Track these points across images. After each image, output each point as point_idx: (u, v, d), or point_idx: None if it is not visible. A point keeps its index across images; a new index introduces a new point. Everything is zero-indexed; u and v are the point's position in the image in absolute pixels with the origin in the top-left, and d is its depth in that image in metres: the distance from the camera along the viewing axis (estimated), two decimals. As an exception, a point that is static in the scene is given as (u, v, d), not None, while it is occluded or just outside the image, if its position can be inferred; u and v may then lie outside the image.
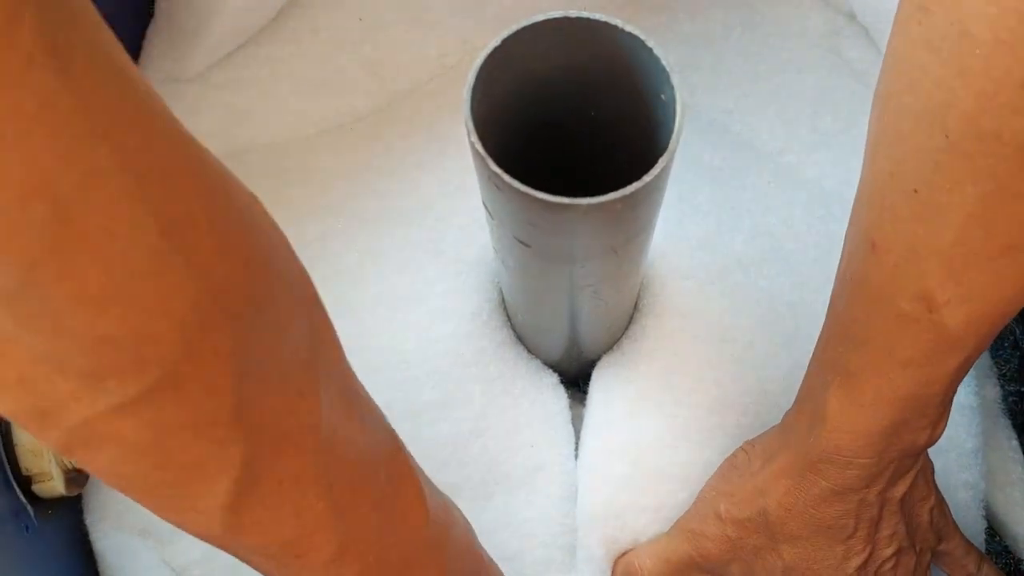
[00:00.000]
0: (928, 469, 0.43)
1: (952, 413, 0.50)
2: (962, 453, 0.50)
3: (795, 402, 0.42)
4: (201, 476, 0.25)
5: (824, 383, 0.39)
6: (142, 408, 0.22)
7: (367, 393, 0.33)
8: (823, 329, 0.40)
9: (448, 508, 0.37)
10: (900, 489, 0.41)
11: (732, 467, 0.45)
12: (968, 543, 0.46)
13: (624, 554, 0.47)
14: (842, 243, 0.52)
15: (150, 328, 0.21)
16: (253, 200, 0.26)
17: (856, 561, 0.42)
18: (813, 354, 0.41)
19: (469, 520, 0.48)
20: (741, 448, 0.45)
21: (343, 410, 0.29)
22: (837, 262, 0.52)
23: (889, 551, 0.42)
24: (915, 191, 0.31)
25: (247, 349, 0.24)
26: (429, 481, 0.36)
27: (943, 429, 0.39)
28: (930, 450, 0.49)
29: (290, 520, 0.28)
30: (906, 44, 0.30)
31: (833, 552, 0.42)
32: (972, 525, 0.49)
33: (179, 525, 0.27)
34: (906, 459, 0.40)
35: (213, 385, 0.23)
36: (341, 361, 0.30)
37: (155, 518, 0.48)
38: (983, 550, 0.50)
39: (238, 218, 0.24)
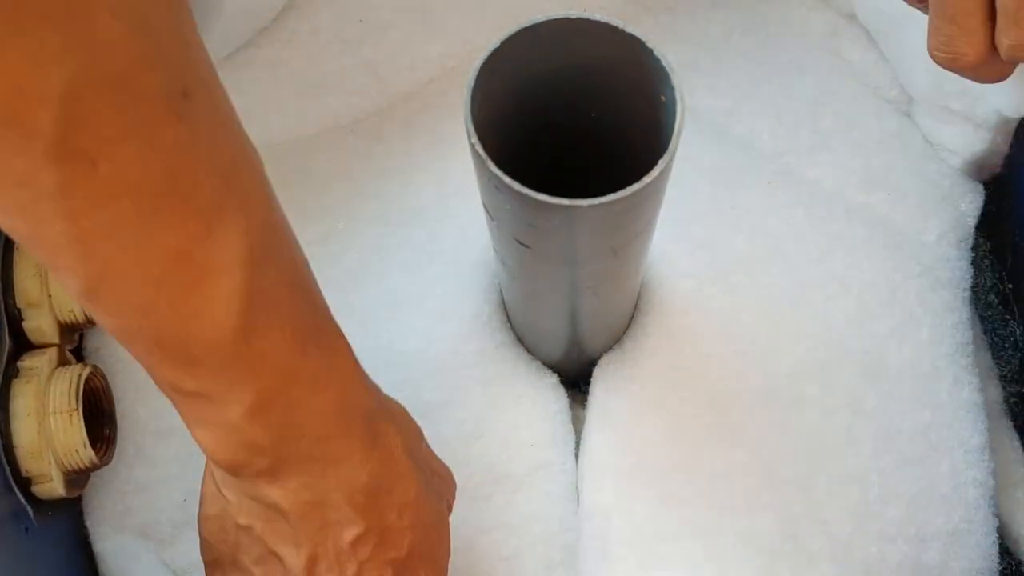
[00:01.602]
0: None
1: (957, 410, 0.50)
2: (968, 450, 0.50)
3: None
4: None
5: None
6: None
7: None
8: None
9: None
10: None
11: None
12: None
13: None
14: (842, 242, 0.52)
15: None
16: None
17: None
18: None
19: (468, 520, 0.49)
20: None
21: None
22: (838, 261, 0.52)
23: None
24: None
25: None
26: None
27: None
28: (936, 448, 0.49)
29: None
30: None
31: None
32: (983, 523, 0.49)
33: None
34: None
35: None
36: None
37: (156, 521, 0.48)
38: (996, 551, 0.50)
39: None
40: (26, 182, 0.25)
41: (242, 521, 0.35)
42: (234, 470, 0.32)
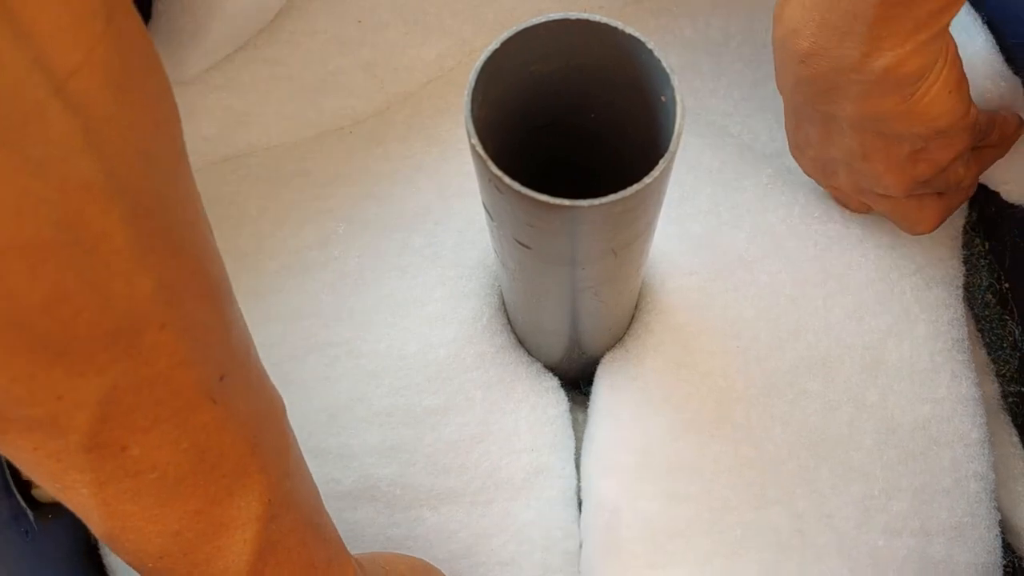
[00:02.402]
0: None
1: (956, 404, 0.50)
2: (969, 444, 0.50)
3: None
4: None
5: None
6: None
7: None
8: None
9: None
10: None
11: None
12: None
13: None
14: (839, 241, 0.53)
15: None
16: None
17: None
18: None
19: (467, 526, 0.49)
20: None
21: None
22: (835, 259, 0.52)
23: None
24: None
25: None
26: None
27: None
28: (936, 442, 0.49)
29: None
30: None
31: None
32: (986, 517, 0.49)
33: None
34: None
35: None
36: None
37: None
38: (999, 544, 0.50)
39: None
40: (57, 458, 0.25)
41: None
42: None
